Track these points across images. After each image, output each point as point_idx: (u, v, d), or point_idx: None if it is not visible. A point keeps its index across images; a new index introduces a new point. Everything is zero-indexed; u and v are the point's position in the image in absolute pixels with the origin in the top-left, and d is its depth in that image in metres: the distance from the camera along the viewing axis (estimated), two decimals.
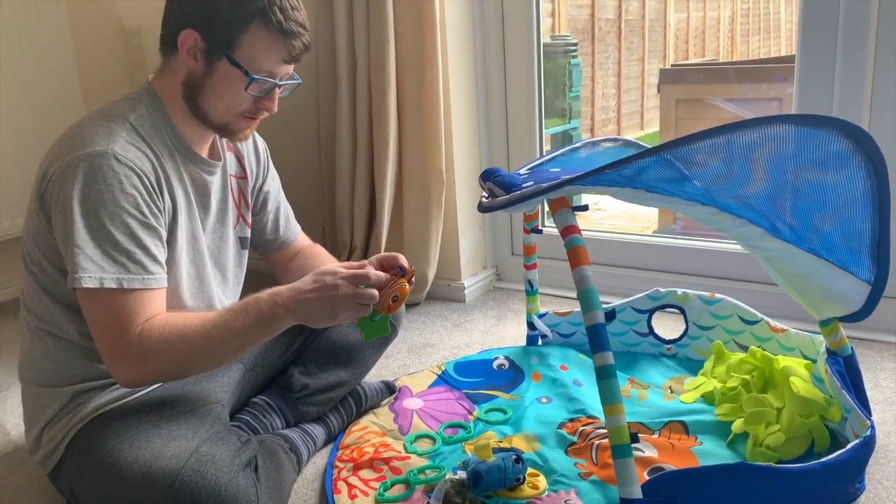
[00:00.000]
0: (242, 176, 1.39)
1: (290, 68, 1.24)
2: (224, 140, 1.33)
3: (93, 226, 1.09)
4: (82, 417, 1.17)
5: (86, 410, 1.17)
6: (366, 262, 1.21)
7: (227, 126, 1.24)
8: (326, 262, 1.45)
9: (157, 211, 1.16)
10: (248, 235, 1.42)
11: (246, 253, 1.42)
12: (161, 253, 1.16)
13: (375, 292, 1.15)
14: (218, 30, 1.16)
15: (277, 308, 1.12)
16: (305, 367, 1.44)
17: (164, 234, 1.18)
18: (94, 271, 1.08)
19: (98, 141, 1.12)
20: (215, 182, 1.31)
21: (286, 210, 1.50)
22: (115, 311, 1.09)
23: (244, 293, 1.25)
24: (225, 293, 1.35)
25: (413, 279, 1.22)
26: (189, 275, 1.26)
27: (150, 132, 1.19)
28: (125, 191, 1.11)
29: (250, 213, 1.42)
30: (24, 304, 1.24)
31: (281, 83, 1.22)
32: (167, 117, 1.22)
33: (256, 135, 1.44)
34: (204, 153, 1.28)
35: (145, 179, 1.14)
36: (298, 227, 1.53)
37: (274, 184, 1.48)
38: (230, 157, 1.37)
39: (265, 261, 1.51)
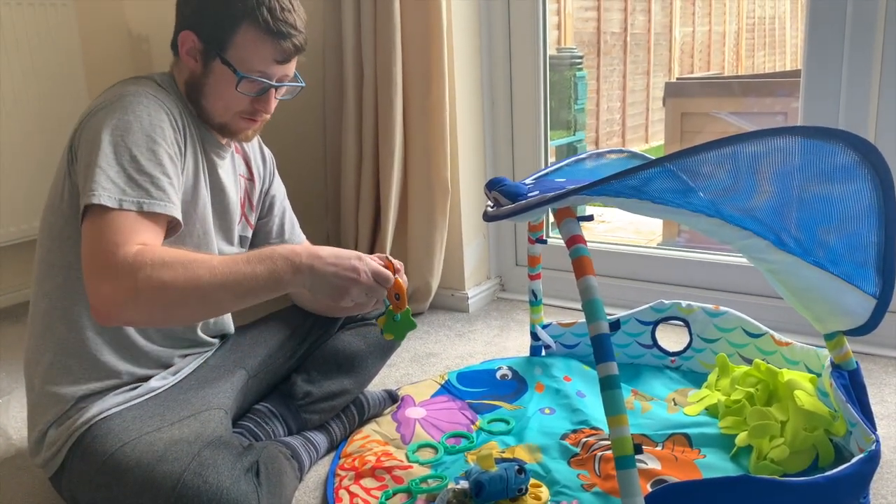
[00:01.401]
0: (249, 177, 1.41)
1: (287, 69, 1.26)
2: (232, 143, 1.36)
3: (119, 151, 1.10)
4: (85, 421, 1.17)
5: (89, 414, 1.17)
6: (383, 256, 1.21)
7: (227, 126, 1.27)
8: None
9: (178, 150, 1.18)
10: (249, 235, 1.43)
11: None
12: (180, 191, 1.17)
13: (385, 292, 1.17)
14: (211, 31, 1.21)
15: (291, 268, 1.09)
16: (308, 374, 1.44)
17: (182, 179, 1.20)
18: (114, 192, 1.07)
19: (127, 88, 1.19)
20: (224, 167, 1.33)
21: (291, 217, 1.52)
22: (122, 227, 1.05)
23: None
24: None
25: (399, 268, 1.22)
26: (216, 237, 1.29)
27: (174, 96, 1.25)
28: (153, 122, 1.14)
29: (254, 216, 1.44)
30: (36, 292, 1.23)
31: (277, 84, 1.25)
32: (183, 95, 1.27)
33: (264, 145, 1.46)
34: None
35: (171, 119, 1.19)
36: (304, 237, 1.54)
37: (280, 190, 1.49)
38: (238, 159, 1.39)
39: None
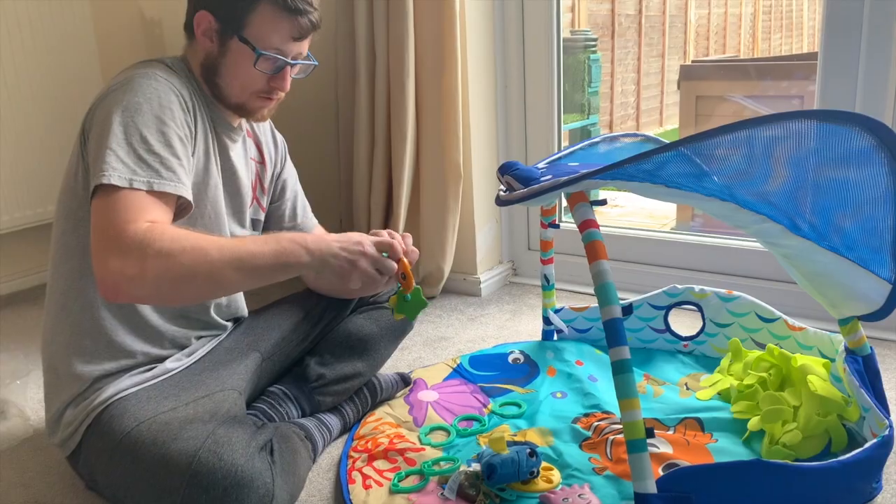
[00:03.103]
0: (260, 161, 1.42)
1: (302, 47, 1.27)
2: (245, 125, 1.37)
3: (129, 132, 1.11)
4: (102, 401, 1.18)
5: (105, 395, 1.19)
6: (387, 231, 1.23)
7: (243, 106, 1.29)
8: None
9: (188, 132, 1.20)
10: (262, 219, 1.44)
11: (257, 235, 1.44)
12: (190, 173, 1.18)
13: (394, 264, 1.18)
14: (228, 9, 1.23)
15: (299, 248, 1.11)
16: (321, 357, 1.45)
17: (193, 161, 1.20)
18: (124, 172, 1.08)
19: (137, 70, 1.20)
20: (236, 150, 1.34)
21: (303, 201, 1.52)
22: (132, 205, 1.06)
23: None
24: None
25: (400, 248, 1.22)
26: (220, 222, 1.29)
27: (184, 79, 1.26)
28: (162, 104, 1.15)
29: (266, 199, 1.45)
30: (52, 273, 1.25)
31: (293, 62, 1.26)
32: (196, 77, 1.28)
33: (276, 130, 1.47)
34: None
35: (181, 100, 1.20)
36: (315, 221, 1.55)
37: (291, 174, 1.50)
38: (250, 143, 1.39)
39: None
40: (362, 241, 1.16)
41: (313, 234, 1.15)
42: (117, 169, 1.08)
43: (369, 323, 1.50)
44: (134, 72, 1.20)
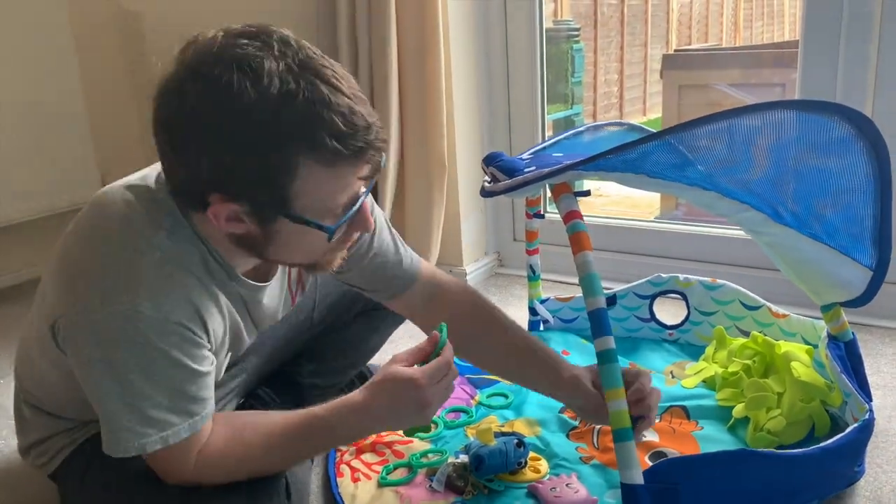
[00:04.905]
0: None
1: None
2: None
3: (125, 391, 0.92)
4: (84, 433, 1.12)
5: (90, 429, 1.12)
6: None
7: (312, 266, 1.02)
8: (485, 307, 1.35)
9: (201, 356, 0.97)
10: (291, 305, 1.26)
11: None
12: (211, 386, 1.01)
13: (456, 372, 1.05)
14: (257, 190, 0.86)
15: (352, 434, 1.08)
16: (316, 365, 1.42)
17: (213, 366, 1.01)
18: (132, 439, 0.93)
19: (120, 287, 0.90)
20: (270, 288, 1.11)
21: (393, 250, 1.22)
22: (166, 462, 0.99)
23: None
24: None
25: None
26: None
27: (184, 259, 0.95)
28: (159, 347, 0.91)
29: (302, 292, 1.25)
30: (19, 382, 1.16)
31: (366, 191, 0.95)
32: (197, 241, 0.97)
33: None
34: (251, 274, 1.06)
35: (184, 331, 0.93)
36: (415, 258, 1.25)
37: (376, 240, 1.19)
38: None
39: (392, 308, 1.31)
40: (414, 378, 0.98)
41: (356, 404, 1.02)
42: (123, 438, 0.94)
43: (373, 335, 1.45)
44: (118, 296, 0.89)
